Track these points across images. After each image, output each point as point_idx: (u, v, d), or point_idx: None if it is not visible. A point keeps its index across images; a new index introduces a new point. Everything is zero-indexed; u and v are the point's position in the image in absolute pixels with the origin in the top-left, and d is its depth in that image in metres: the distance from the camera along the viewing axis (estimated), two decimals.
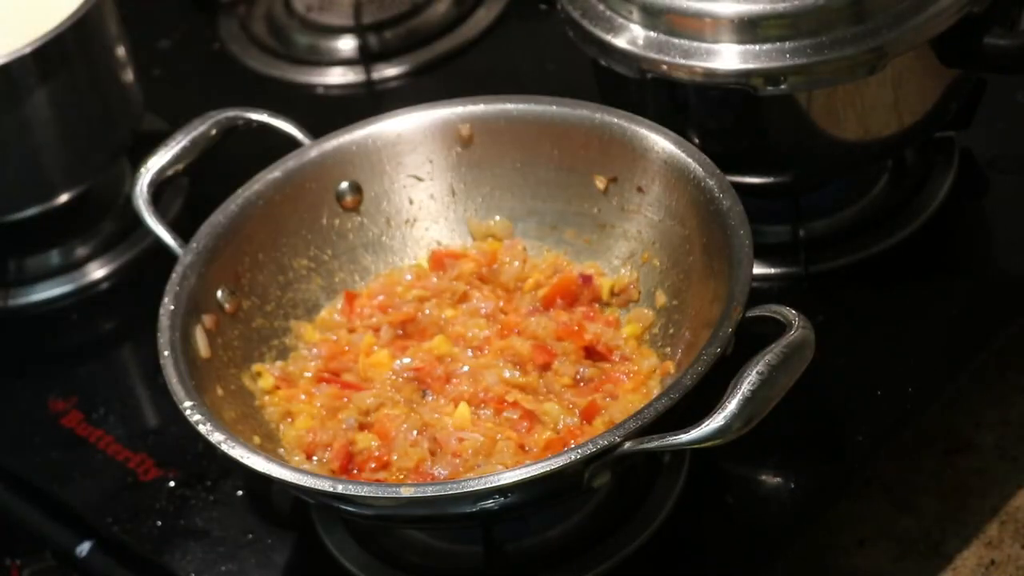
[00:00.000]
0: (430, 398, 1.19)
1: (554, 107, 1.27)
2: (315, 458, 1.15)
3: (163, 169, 1.29)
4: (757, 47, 1.23)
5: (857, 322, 1.31)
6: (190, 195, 1.55)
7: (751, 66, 1.23)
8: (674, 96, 1.28)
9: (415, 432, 1.14)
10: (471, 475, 1.10)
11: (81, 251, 1.54)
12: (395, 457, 1.13)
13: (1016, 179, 1.41)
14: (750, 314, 1.08)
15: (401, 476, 1.12)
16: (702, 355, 1.05)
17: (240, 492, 1.27)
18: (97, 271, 1.53)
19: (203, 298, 1.20)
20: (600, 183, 1.26)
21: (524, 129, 1.28)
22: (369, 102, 1.68)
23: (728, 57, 1.24)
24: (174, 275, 1.20)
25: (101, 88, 1.49)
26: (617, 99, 1.29)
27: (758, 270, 1.23)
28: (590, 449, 1.01)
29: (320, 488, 1.05)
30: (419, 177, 1.31)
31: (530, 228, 1.30)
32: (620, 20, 1.28)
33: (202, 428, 1.09)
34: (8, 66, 1.38)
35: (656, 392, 1.14)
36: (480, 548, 1.15)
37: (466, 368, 1.19)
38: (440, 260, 1.29)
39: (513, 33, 1.73)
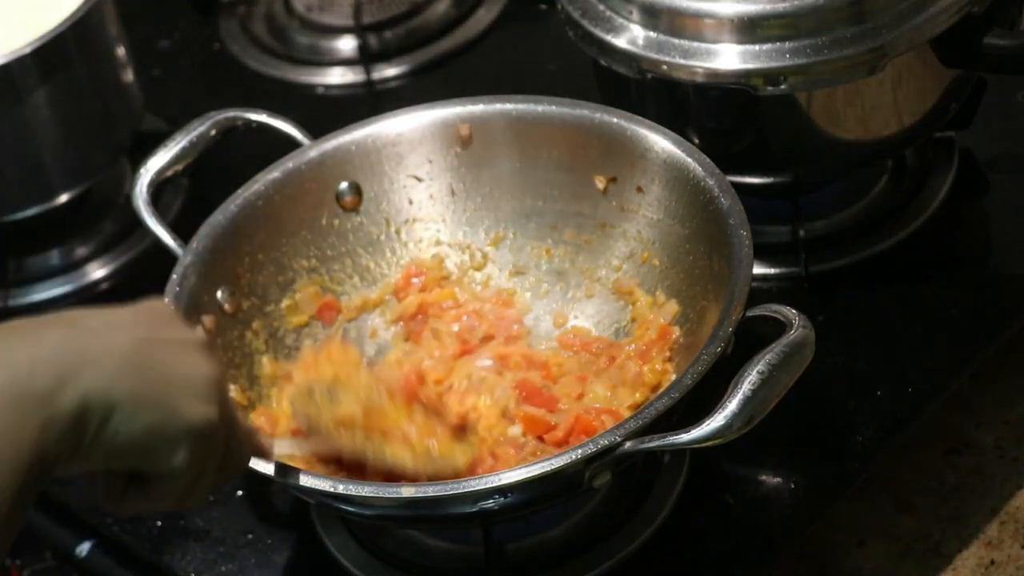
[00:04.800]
0: None
1: (554, 107, 1.27)
2: None
3: (163, 169, 1.29)
4: (757, 47, 1.23)
5: (857, 322, 1.31)
6: (190, 195, 1.55)
7: (751, 66, 1.23)
8: (674, 96, 1.28)
9: None
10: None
11: (81, 251, 1.54)
12: None
13: (1016, 179, 1.41)
14: (750, 314, 1.08)
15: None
16: (702, 355, 1.05)
17: (240, 492, 1.27)
18: (97, 271, 1.53)
19: (203, 298, 1.20)
20: (600, 183, 1.26)
21: (524, 129, 1.28)
22: (369, 102, 1.68)
23: (728, 57, 1.24)
24: (174, 275, 1.20)
25: (101, 88, 1.49)
26: (617, 99, 1.29)
27: (758, 270, 1.23)
28: (590, 449, 1.01)
29: (320, 488, 1.05)
30: (419, 177, 1.31)
31: (530, 228, 1.30)
32: (620, 20, 1.28)
33: None
34: (8, 66, 1.38)
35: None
36: (480, 548, 1.15)
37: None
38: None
39: (513, 33, 1.73)
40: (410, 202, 1.31)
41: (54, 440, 0.81)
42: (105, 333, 0.86)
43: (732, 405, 0.99)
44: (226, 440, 0.91)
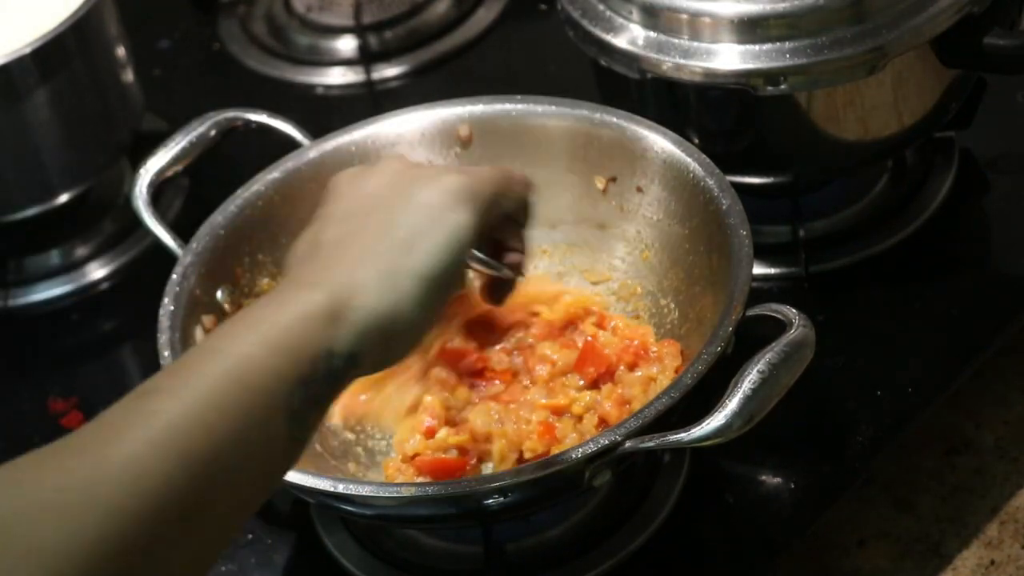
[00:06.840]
0: None
1: (554, 107, 1.27)
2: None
3: (163, 170, 1.29)
4: (757, 47, 1.23)
5: (857, 322, 1.31)
6: (190, 195, 1.55)
7: (751, 66, 1.23)
8: (674, 96, 1.28)
9: None
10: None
11: (81, 251, 1.54)
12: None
13: (1016, 179, 1.41)
14: (750, 313, 1.08)
15: None
16: (702, 354, 1.05)
17: None
18: (97, 271, 1.53)
19: (203, 298, 1.20)
20: (599, 183, 1.26)
21: (524, 129, 1.28)
22: (369, 102, 1.68)
23: (728, 57, 1.24)
24: (174, 275, 1.20)
25: (101, 88, 1.49)
26: (617, 99, 1.29)
27: (758, 270, 1.23)
28: (590, 448, 1.01)
29: (320, 488, 1.05)
30: None
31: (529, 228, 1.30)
32: (620, 20, 1.28)
33: None
34: (8, 66, 1.38)
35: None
36: (480, 548, 1.15)
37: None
38: None
39: (513, 33, 1.73)
40: None
41: None
42: None
43: (732, 405, 0.99)
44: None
